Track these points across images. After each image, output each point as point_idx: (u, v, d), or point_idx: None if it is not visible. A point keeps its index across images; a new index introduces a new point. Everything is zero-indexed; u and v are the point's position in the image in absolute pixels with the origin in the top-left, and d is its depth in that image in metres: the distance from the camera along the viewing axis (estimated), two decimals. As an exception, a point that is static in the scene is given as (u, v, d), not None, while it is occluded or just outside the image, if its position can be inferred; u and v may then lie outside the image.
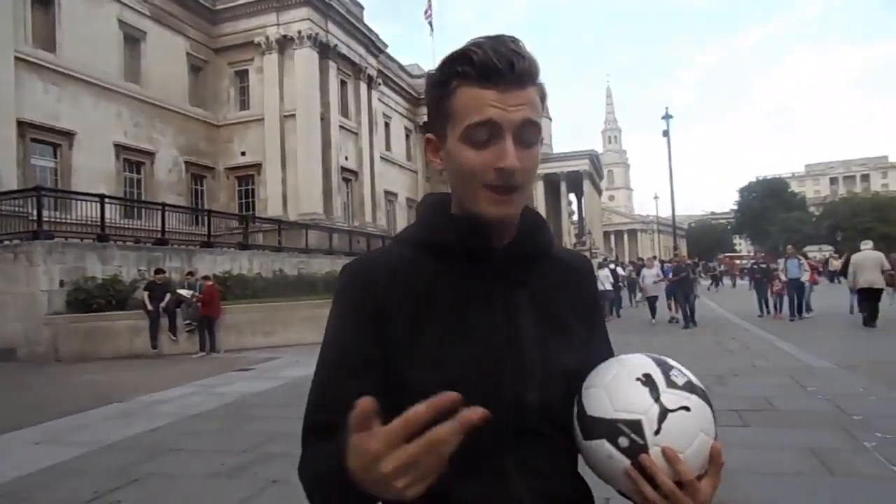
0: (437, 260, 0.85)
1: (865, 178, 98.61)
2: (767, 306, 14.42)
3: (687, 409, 0.75)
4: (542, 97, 0.83)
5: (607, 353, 0.88)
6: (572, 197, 63.94)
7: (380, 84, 32.25)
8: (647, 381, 0.77)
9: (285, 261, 18.83)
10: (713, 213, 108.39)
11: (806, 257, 16.46)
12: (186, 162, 24.35)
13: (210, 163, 25.63)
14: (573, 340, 0.87)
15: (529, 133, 0.79)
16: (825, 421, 5.00)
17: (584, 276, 0.97)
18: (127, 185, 21.62)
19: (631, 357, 0.83)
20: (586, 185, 59.86)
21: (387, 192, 33.51)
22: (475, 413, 0.58)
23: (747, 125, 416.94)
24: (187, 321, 12.13)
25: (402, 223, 33.01)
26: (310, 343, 10.48)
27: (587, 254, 26.96)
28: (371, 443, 0.57)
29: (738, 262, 41.69)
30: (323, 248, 21.93)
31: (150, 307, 11.74)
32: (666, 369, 0.79)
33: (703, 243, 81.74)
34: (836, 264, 30.14)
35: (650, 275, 15.06)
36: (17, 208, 13.53)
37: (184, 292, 12.06)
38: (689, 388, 0.77)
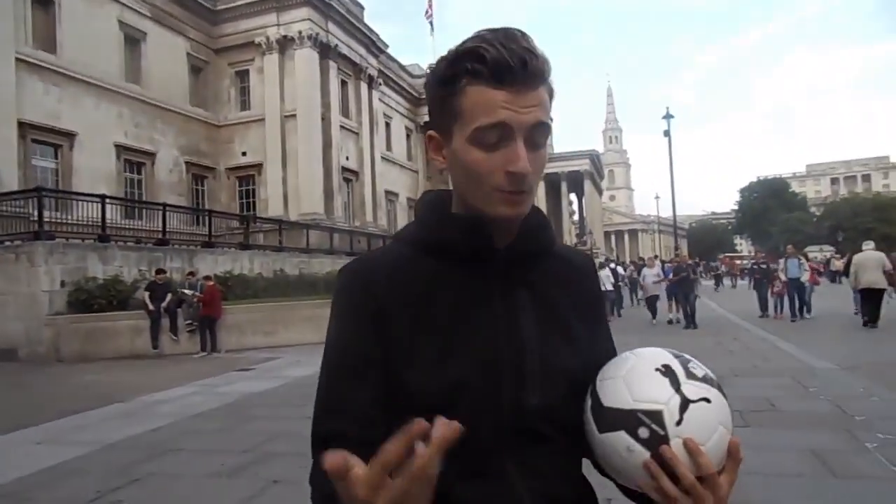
0: (437, 259, 0.84)
1: (867, 178, 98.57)
2: (767, 307, 14.40)
3: (708, 400, 0.73)
4: (551, 96, 0.80)
5: (611, 352, 0.88)
6: (573, 197, 63.97)
7: (380, 84, 32.27)
8: (667, 371, 0.75)
9: (286, 261, 18.84)
10: (714, 214, 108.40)
11: (806, 258, 16.44)
12: (187, 162, 24.36)
13: (211, 163, 25.64)
14: (576, 340, 0.86)
15: (540, 135, 0.78)
16: (827, 422, 5.00)
17: (586, 275, 0.96)
18: (128, 186, 21.63)
19: (647, 350, 0.81)
20: (587, 185, 59.88)
21: (388, 192, 33.52)
22: (450, 429, 0.56)
23: (748, 125, 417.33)
24: (188, 321, 12.14)
25: (402, 223, 32.96)
26: (310, 343, 10.51)
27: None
28: (357, 490, 0.55)
29: (738, 262, 41.62)
30: (324, 248, 21.94)
31: (151, 307, 11.75)
32: (684, 361, 0.77)
33: (704, 243, 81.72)
34: (837, 264, 30.13)
35: (651, 274, 15.05)
36: (18, 209, 13.54)
37: (187, 292, 12.08)
38: (708, 380, 0.76)
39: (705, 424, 0.72)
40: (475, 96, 0.76)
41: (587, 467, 0.84)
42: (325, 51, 26.22)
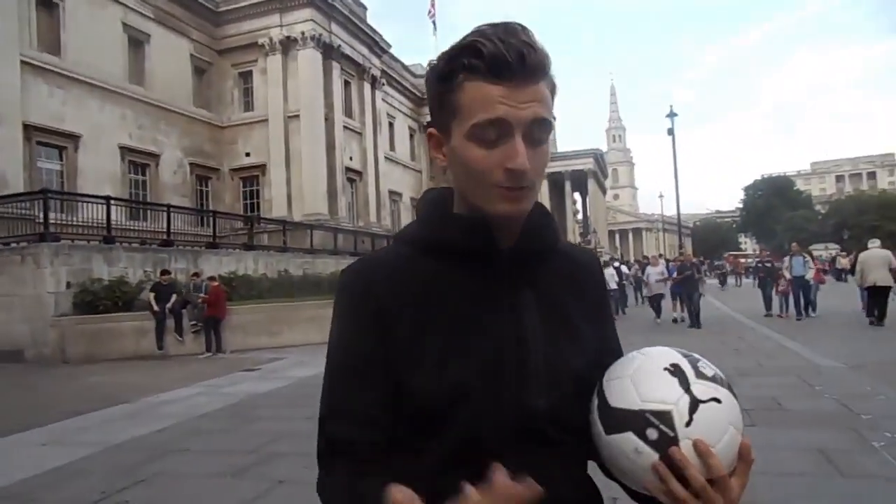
0: (439, 260, 0.82)
1: (872, 175, 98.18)
2: (772, 306, 14.34)
3: (718, 400, 0.71)
4: (553, 91, 0.79)
5: (617, 352, 0.86)
6: (577, 196, 63.87)
7: (383, 84, 32.29)
8: (676, 370, 0.73)
9: (290, 261, 18.87)
10: (718, 212, 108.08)
11: (811, 256, 16.37)
12: (191, 163, 24.42)
13: (215, 164, 25.71)
14: (581, 340, 0.84)
15: (540, 131, 0.76)
16: (833, 421, 4.97)
17: (591, 274, 0.94)
18: (132, 187, 21.70)
19: (655, 349, 0.80)
20: (591, 184, 59.82)
21: (391, 192, 33.54)
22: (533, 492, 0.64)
23: (753, 123, 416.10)
24: (193, 322, 12.18)
25: (406, 223, 32.88)
26: (315, 343, 10.51)
27: (592, 253, 26.76)
28: None
29: (742, 260, 41.48)
30: (328, 249, 21.97)
31: (156, 308, 11.79)
32: (693, 361, 0.75)
33: (709, 242, 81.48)
34: (843, 262, 30.05)
35: (654, 273, 15.01)
36: (23, 211, 13.62)
37: (193, 294, 12.12)
38: (718, 380, 0.74)
39: (716, 425, 0.70)
40: (472, 92, 0.75)
41: (592, 468, 0.84)
42: (328, 51, 26.25)
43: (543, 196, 52.76)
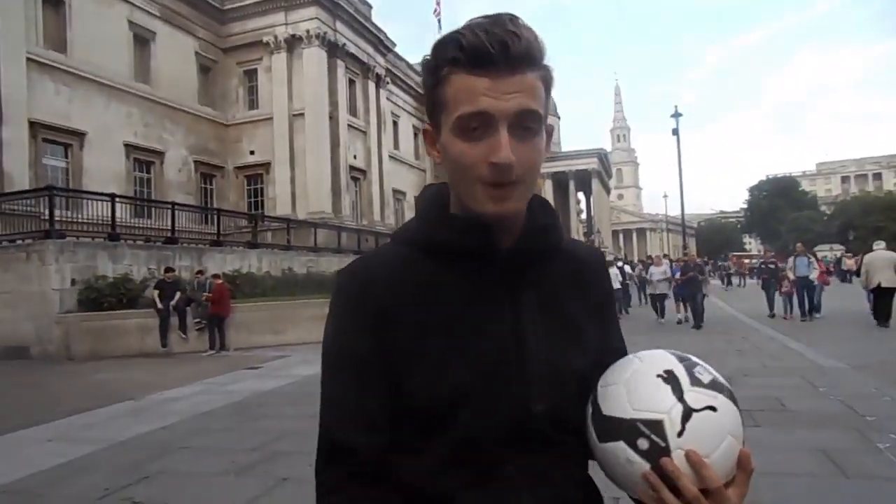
0: (438, 260, 0.80)
1: (878, 176, 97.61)
2: (774, 307, 14.28)
3: (713, 408, 0.69)
4: (547, 82, 0.75)
5: (621, 353, 0.85)
6: (581, 196, 63.75)
7: (388, 83, 32.30)
8: (670, 377, 0.71)
9: (294, 259, 18.91)
10: (723, 212, 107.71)
11: (816, 257, 16.31)
12: (196, 161, 24.49)
13: (219, 162, 25.77)
14: (585, 341, 0.83)
15: (528, 123, 0.73)
16: (837, 421, 4.96)
17: (596, 272, 0.92)
18: (137, 185, 21.80)
19: (651, 353, 0.77)
20: (595, 184, 59.68)
21: (395, 191, 33.56)
22: None
23: (757, 123, 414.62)
24: (197, 319, 12.20)
25: (410, 222, 32.96)
26: (318, 341, 10.29)
27: (596, 253, 26.75)
28: None
29: (746, 261, 41.35)
30: (332, 247, 22.00)
31: (160, 306, 11.82)
32: (690, 366, 0.73)
33: (713, 242, 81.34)
34: (849, 263, 29.91)
35: (658, 272, 14.99)
36: (29, 208, 13.67)
37: (197, 294, 12.14)
38: (716, 386, 0.71)
39: (710, 435, 0.68)
40: (457, 84, 0.73)
41: (593, 467, 0.83)
42: (333, 50, 26.27)
43: (547, 195, 52.68)
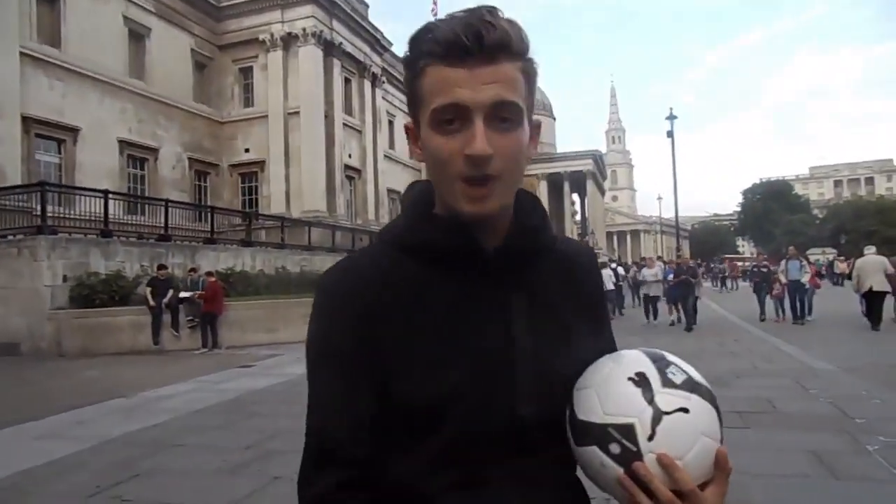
0: (424, 261, 0.78)
1: (870, 181, 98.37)
2: (765, 310, 14.35)
3: (685, 410, 0.68)
4: (529, 74, 0.73)
5: (612, 353, 0.84)
6: (575, 197, 63.86)
7: (384, 82, 32.27)
8: (641, 380, 0.70)
9: (288, 258, 18.88)
10: (716, 215, 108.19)
11: (808, 260, 16.41)
12: (190, 158, 24.40)
13: (214, 159, 25.69)
14: (574, 344, 0.80)
15: (506, 114, 0.71)
16: (827, 423, 4.99)
17: (588, 270, 0.90)
18: (131, 182, 21.70)
19: (626, 353, 0.77)
20: (589, 186, 59.79)
21: (390, 191, 33.53)
22: None
23: (751, 127, 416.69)
24: (189, 317, 12.16)
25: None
26: (312, 340, 10.48)
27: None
28: None
29: (739, 263, 41.48)
30: (325, 246, 21.96)
31: (152, 303, 11.76)
32: (662, 366, 0.72)
33: (707, 244, 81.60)
34: (841, 267, 30.14)
35: (649, 274, 15.07)
36: (21, 203, 13.59)
37: (186, 294, 12.09)
38: (689, 386, 0.70)
39: (683, 437, 0.67)
40: (432, 77, 0.71)
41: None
42: (329, 48, 26.23)
43: (542, 196, 52.83)
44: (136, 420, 5.99)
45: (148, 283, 12.21)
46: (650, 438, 0.67)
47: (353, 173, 28.86)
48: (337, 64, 26.83)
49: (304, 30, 25.05)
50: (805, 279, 13.34)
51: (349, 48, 27.82)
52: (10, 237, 12.60)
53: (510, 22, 0.72)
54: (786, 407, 5.65)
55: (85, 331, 11.78)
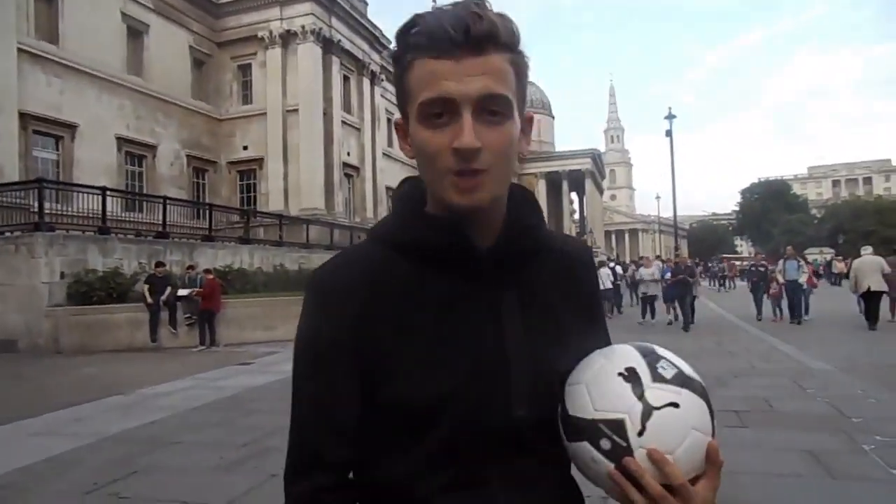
0: (416, 260, 0.77)
1: (868, 181, 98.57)
2: (762, 310, 14.37)
3: (675, 405, 0.68)
4: (519, 67, 0.72)
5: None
6: (574, 196, 63.97)
7: (383, 80, 32.21)
8: (631, 375, 0.70)
9: (286, 255, 18.86)
10: (715, 214, 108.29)
11: (805, 260, 16.45)
12: (188, 155, 24.35)
13: (212, 157, 25.65)
14: (569, 343, 0.79)
15: (494, 107, 0.69)
16: (824, 423, 5.00)
17: (583, 267, 0.88)
18: (129, 178, 21.64)
19: (616, 349, 0.76)
20: (588, 185, 59.85)
21: (388, 189, 33.44)
22: None
23: (750, 126, 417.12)
24: (187, 315, 12.15)
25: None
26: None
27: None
28: None
29: (736, 263, 41.51)
30: (324, 244, 21.94)
31: (150, 300, 11.75)
32: (653, 361, 0.72)
33: (705, 244, 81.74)
34: (839, 266, 30.19)
35: (647, 274, 15.09)
36: (18, 200, 13.56)
37: (183, 292, 12.07)
38: (680, 381, 0.70)
39: (673, 431, 0.67)
40: (419, 70, 0.70)
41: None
42: (328, 46, 26.19)
43: (541, 195, 52.84)
44: (133, 417, 5.99)
45: (146, 281, 12.20)
46: (640, 434, 0.67)
47: (351, 171, 28.83)
48: (336, 61, 26.79)
49: (302, 27, 25.00)
50: (802, 279, 13.38)
51: (348, 46, 27.78)
52: (8, 234, 12.58)
53: (499, 14, 0.71)
54: (783, 406, 5.67)
55: (83, 328, 11.76)
